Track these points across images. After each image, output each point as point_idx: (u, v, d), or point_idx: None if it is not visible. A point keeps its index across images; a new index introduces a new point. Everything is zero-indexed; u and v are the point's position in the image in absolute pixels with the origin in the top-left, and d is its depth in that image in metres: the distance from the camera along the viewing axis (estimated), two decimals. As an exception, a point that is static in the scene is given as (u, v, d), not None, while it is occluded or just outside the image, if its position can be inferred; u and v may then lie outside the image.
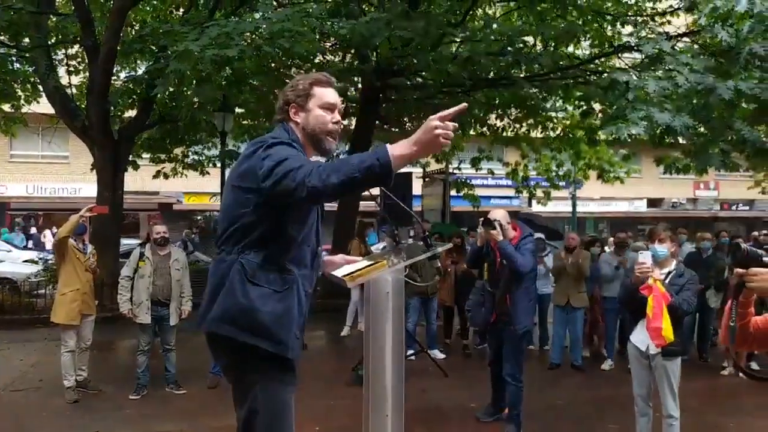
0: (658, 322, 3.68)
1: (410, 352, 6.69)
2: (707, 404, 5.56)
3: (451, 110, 1.71)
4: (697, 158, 5.88)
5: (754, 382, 6.51)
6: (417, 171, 13.49)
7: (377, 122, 11.26)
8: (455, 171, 13.24)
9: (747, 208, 26.87)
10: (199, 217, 23.75)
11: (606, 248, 8.55)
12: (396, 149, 1.70)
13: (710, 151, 5.68)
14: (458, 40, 8.75)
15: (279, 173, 1.79)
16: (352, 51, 9.73)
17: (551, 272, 7.10)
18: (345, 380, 5.83)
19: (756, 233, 11.27)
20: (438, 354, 7.10)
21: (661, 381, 3.93)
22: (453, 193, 12.95)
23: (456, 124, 1.71)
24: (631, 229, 17.01)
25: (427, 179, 13.29)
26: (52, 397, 5.41)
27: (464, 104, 1.79)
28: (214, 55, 5.96)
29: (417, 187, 14.26)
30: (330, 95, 2.08)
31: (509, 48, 7.33)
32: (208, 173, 13.47)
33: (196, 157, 13.44)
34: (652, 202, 26.20)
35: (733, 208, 26.98)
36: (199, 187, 18.57)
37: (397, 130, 12.24)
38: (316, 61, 9.16)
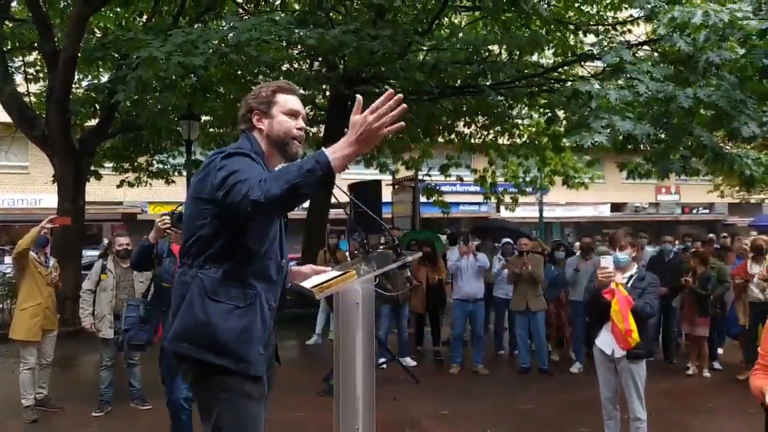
0: (625, 325, 3.77)
1: (382, 360, 6.67)
2: (673, 405, 5.67)
3: (381, 99, 1.70)
4: (658, 164, 6.06)
5: (717, 381, 6.71)
6: (387, 178, 13.52)
7: (345, 130, 11.22)
8: (425, 178, 13.32)
9: (707, 211, 27.75)
10: (164, 227, 23.17)
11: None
12: (335, 149, 1.70)
13: (671, 157, 5.85)
14: (425, 48, 8.82)
15: (228, 185, 1.76)
16: (320, 59, 9.70)
17: (507, 280, 7.17)
18: (316, 391, 5.77)
19: (712, 235, 11.60)
20: (409, 361, 7.10)
21: (627, 384, 4.00)
22: (423, 199, 13.02)
23: (399, 109, 1.69)
24: (596, 233, 17.41)
25: (396, 186, 13.33)
26: (9, 417, 5.18)
27: (391, 91, 1.76)
28: (179, 63, 5.86)
29: (387, 194, 14.32)
30: (293, 102, 2.07)
31: (475, 57, 7.42)
32: (173, 182, 13.23)
33: (160, 166, 13.19)
34: (616, 207, 26.83)
35: (694, 211, 27.84)
36: (165, 197, 18.21)
37: (365, 137, 12.25)
38: (284, 68, 9.11)
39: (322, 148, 1.72)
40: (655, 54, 7.51)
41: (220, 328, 1.84)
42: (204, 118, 10.91)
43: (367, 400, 1.95)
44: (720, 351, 7.71)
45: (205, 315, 1.85)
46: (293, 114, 2.05)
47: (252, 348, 1.89)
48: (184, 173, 11.43)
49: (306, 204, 11.39)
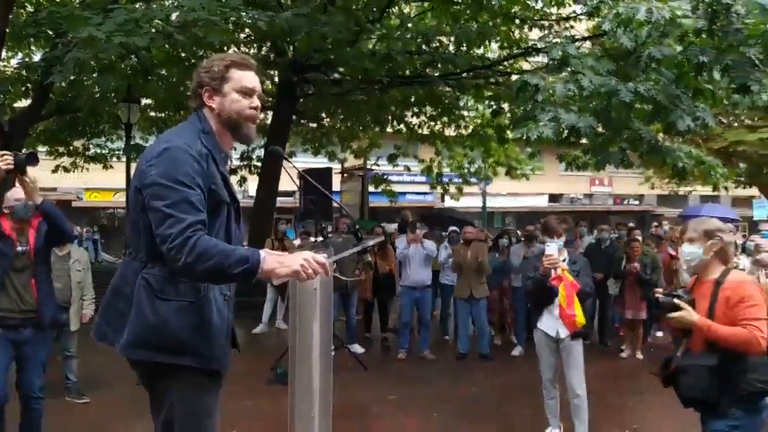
0: (571, 309, 3.93)
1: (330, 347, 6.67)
2: (608, 386, 5.96)
3: (322, 262, 1.80)
4: (598, 156, 6.31)
5: (651, 363, 7.10)
6: (335, 167, 13.45)
7: (294, 117, 11.08)
8: (373, 167, 13.33)
9: (637, 202, 29.14)
10: (101, 215, 22.27)
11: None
12: (268, 262, 1.74)
13: (610, 150, 6.11)
14: (376, 37, 8.80)
15: (158, 218, 1.73)
16: (269, 43, 9.49)
17: (452, 269, 7.32)
18: (264, 380, 5.70)
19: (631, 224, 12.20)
20: (358, 348, 7.13)
21: (569, 363, 4.20)
22: (371, 189, 13.05)
23: (326, 269, 1.81)
24: (535, 222, 17.95)
25: (345, 175, 13.29)
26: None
27: (326, 265, 1.85)
28: (121, 44, 5.58)
29: (336, 183, 14.25)
30: (248, 79, 1.94)
31: (425, 47, 7.47)
32: (111, 167, 12.66)
33: (98, 150, 12.60)
34: (553, 198, 27.79)
35: (625, 202, 29.16)
36: (102, 183, 17.42)
37: (315, 125, 12.13)
38: (230, 52, 8.85)
39: (261, 254, 1.75)
40: (597, 49, 7.77)
41: (176, 327, 1.77)
42: (145, 101, 10.47)
43: (324, 387, 1.95)
44: (659, 334, 8.21)
45: (158, 316, 1.77)
46: (247, 92, 1.92)
47: (214, 342, 1.84)
48: (123, 158, 10.97)
49: (252, 192, 11.20)
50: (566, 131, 5.31)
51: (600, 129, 6.35)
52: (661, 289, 3.07)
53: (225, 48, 8.03)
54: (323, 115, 11.78)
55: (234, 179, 11.99)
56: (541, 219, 11.89)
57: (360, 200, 12.10)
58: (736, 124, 14.34)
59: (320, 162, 13.03)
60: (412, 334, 7.42)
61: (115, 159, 12.61)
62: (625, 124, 5.97)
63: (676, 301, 2.62)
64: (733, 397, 2.51)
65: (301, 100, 10.61)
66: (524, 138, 5.04)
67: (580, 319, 3.97)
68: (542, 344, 4.32)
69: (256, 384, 5.62)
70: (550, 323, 4.21)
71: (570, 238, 7.61)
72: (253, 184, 11.54)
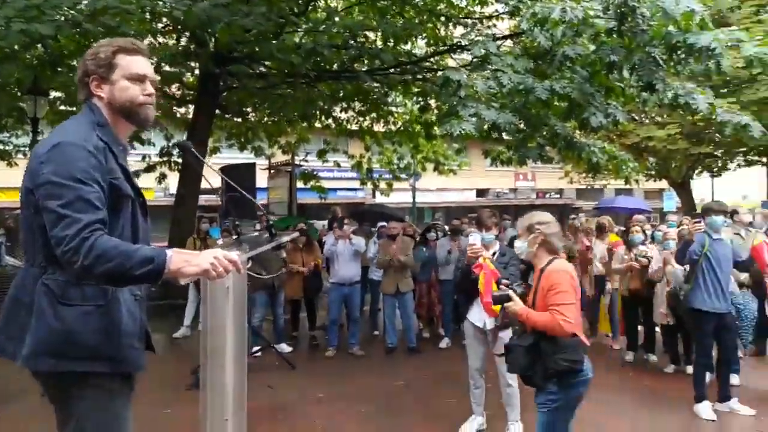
0: (488, 296, 4.04)
1: (256, 348, 6.53)
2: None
3: (234, 259, 1.74)
4: (518, 151, 6.52)
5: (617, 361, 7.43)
6: (262, 163, 13.15)
7: (218, 111, 10.72)
8: (302, 163, 13.15)
9: (558, 196, 30.53)
10: (6, 216, 20.66)
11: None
12: (175, 261, 1.67)
13: (529, 145, 6.32)
14: (301, 30, 8.65)
15: (53, 219, 1.62)
16: (188, 34, 9.11)
17: (377, 265, 7.36)
18: (185, 385, 5.49)
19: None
20: (285, 348, 7.02)
21: (498, 352, 4.27)
22: (300, 185, 12.86)
23: (237, 266, 1.76)
24: (463, 216, 18.39)
25: (272, 171, 13.02)
26: None
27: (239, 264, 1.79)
28: (22, 31, 5.16)
29: (262, 180, 13.92)
30: (138, 64, 1.83)
31: (352, 41, 7.42)
32: (16, 165, 11.78)
33: (1, 147, 11.69)
34: (480, 192, 28.61)
35: (547, 196, 30.47)
36: (5, 181, 16.16)
37: (239, 119, 11.78)
38: (146, 42, 8.43)
39: (168, 254, 1.67)
40: (517, 48, 8.01)
41: (83, 333, 1.66)
42: (53, 94, 9.79)
43: (238, 390, 1.87)
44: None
45: (62, 322, 1.65)
46: (138, 78, 1.81)
47: (123, 344, 1.74)
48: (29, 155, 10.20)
49: (173, 190, 10.74)
50: (487, 127, 5.43)
51: (520, 125, 6.55)
52: (507, 281, 3.36)
53: (139, 38, 7.64)
54: (248, 109, 11.47)
55: (153, 176, 11.47)
56: (469, 213, 12.13)
57: (288, 197, 11.89)
58: (647, 121, 15.23)
59: (246, 158, 12.70)
60: (341, 330, 7.38)
61: (21, 156, 11.75)
62: (543, 120, 6.19)
63: (508, 293, 2.99)
64: (545, 374, 2.83)
65: (225, 93, 10.27)
66: (448, 133, 5.10)
67: (497, 306, 4.07)
68: (470, 335, 4.42)
69: (176, 390, 5.40)
70: (477, 314, 4.31)
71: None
72: (174, 181, 11.07)
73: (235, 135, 12.41)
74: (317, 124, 12.14)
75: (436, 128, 9.35)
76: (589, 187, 23.46)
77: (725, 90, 14.16)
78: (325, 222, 11.64)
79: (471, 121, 4.99)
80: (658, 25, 4.60)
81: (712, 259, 4.80)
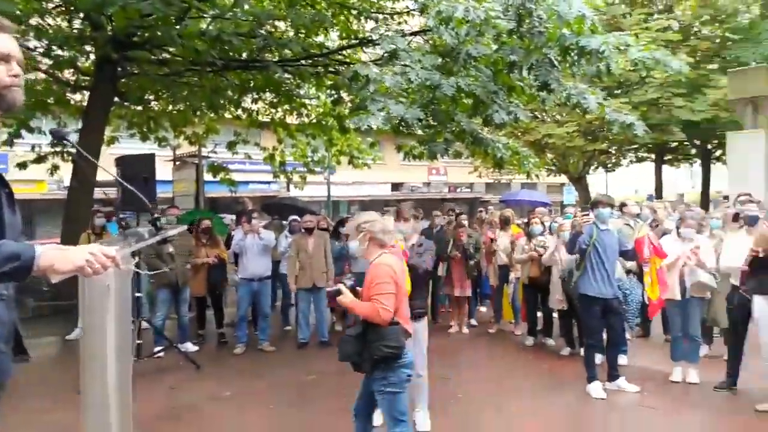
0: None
1: (158, 348, 6.25)
2: (436, 359, 6.36)
3: (111, 255, 1.65)
4: (427, 146, 6.66)
5: (473, 335, 7.72)
6: (166, 154, 12.54)
7: (116, 99, 10.07)
8: (210, 154, 12.66)
9: (468, 190, 31.57)
10: None
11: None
12: (46, 257, 1.57)
13: (437, 140, 6.48)
14: (207, 16, 8.30)
15: None
16: (82, 16, 8.48)
17: (288, 264, 7.28)
18: (75, 389, 5.14)
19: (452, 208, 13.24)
20: (190, 347, 6.76)
21: (416, 343, 4.30)
22: (209, 177, 12.39)
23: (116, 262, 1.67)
24: (378, 209, 18.59)
25: (178, 162, 12.44)
26: None
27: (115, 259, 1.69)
28: None
29: (167, 172, 13.27)
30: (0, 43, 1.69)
31: (260, 30, 7.22)
32: None
33: None
34: (395, 186, 29.01)
35: (458, 190, 31.43)
36: None
37: (140, 108, 11.14)
38: (32, 22, 7.75)
39: (37, 249, 1.56)
40: (427, 45, 8.16)
41: None
42: None
43: (121, 395, 1.77)
44: (483, 309, 8.97)
45: None
46: (1, 58, 1.68)
47: None
48: None
49: (66, 182, 9.99)
50: (395, 122, 5.50)
51: (429, 121, 6.68)
52: (339, 277, 3.55)
53: (25, 19, 7.03)
54: (151, 97, 10.87)
55: (45, 167, 10.62)
56: (384, 207, 12.11)
57: (195, 190, 11.42)
58: (548, 120, 16.07)
59: (149, 148, 12.05)
60: (250, 327, 7.22)
61: None
62: (450, 116, 6.36)
63: (338, 287, 3.22)
64: (371, 360, 3.10)
65: (123, 80, 9.67)
66: (357, 127, 5.11)
67: (407, 288, 4.14)
68: None
69: (66, 394, 5.04)
70: None
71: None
72: (68, 172, 10.30)
73: (136, 124, 11.71)
74: (227, 115, 11.73)
75: (346, 122, 9.34)
76: (496, 182, 24.47)
77: (619, 91, 15.27)
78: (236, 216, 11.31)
79: (379, 116, 5.02)
80: (554, 28, 4.87)
81: (600, 248, 5.16)
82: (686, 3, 15.26)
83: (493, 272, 7.97)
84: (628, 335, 6.71)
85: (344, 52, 10.07)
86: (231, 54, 8.45)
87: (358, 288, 3.29)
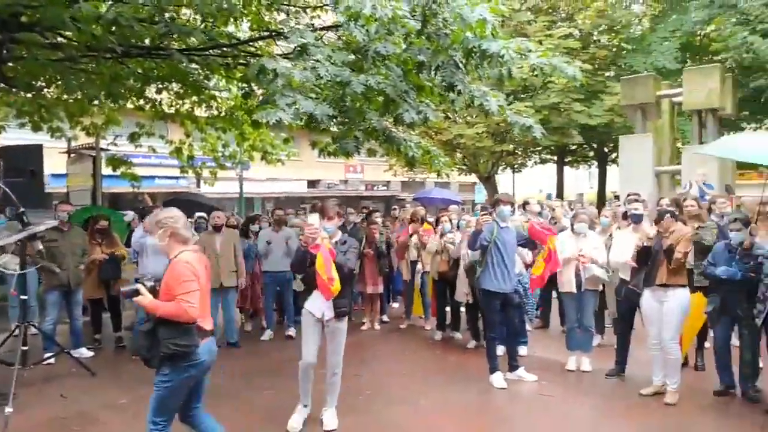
0: (328, 274, 4.03)
1: (48, 355, 5.81)
2: (347, 357, 6.36)
3: None
4: (338, 144, 6.62)
5: (384, 331, 7.81)
6: (59, 145, 11.67)
7: (2, 84, 9.20)
8: (109, 147, 11.90)
9: (385, 188, 31.92)
10: None
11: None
12: None
13: (347, 138, 6.46)
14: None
15: None
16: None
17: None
18: None
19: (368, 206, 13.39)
20: (85, 352, 6.33)
21: (333, 341, 4.37)
22: (110, 171, 11.64)
23: None
24: (294, 207, 18.32)
25: (72, 155, 11.60)
26: None
27: None
28: None
29: (61, 164, 12.36)
30: None
31: (161, 16, 6.85)
32: None
33: None
34: (312, 183, 28.78)
35: (375, 188, 31.70)
36: None
37: (30, 95, 10.26)
38: None
39: None
40: (340, 41, 8.12)
41: None
42: None
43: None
44: (395, 305, 9.09)
45: None
46: None
47: None
48: None
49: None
50: (305, 118, 5.42)
51: (340, 118, 6.65)
52: (145, 277, 3.46)
53: None
54: (42, 83, 10.04)
55: None
56: (300, 204, 11.92)
57: (92, 184, 10.69)
58: (460, 120, 16.55)
59: (42, 139, 11.15)
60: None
61: None
62: (361, 114, 6.36)
63: (137, 287, 3.17)
64: (158, 356, 3.11)
65: (10, 64, 8.85)
66: (265, 121, 4.98)
67: (336, 287, 4.07)
68: (308, 324, 4.36)
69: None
70: (317, 304, 4.27)
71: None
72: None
73: (26, 113, 10.78)
74: (129, 105, 11.06)
75: (253, 116, 9.09)
76: (411, 180, 24.89)
77: (524, 95, 16.01)
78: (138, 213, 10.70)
79: (288, 111, 4.92)
80: (458, 31, 5.00)
81: (500, 245, 5.38)
82: (585, 13, 16.25)
83: (405, 267, 8.09)
84: (528, 327, 7.07)
85: (257, 45, 9.81)
86: (131, 40, 7.98)
87: (158, 288, 3.20)
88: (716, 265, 4.86)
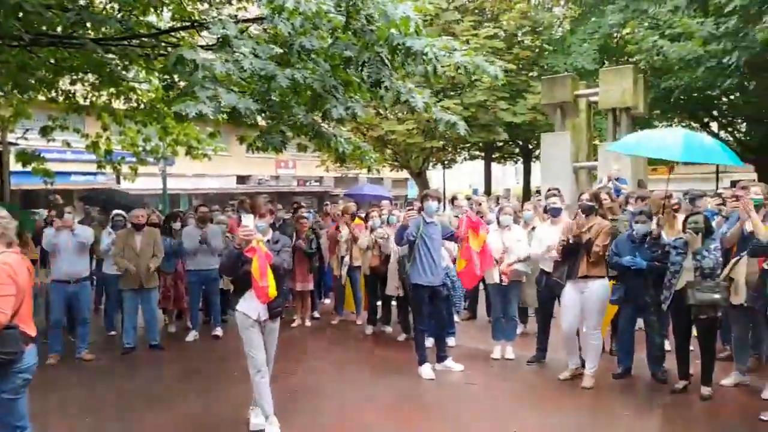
0: (264, 281, 3.90)
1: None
2: (279, 355, 6.29)
3: None
4: (263, 139, 6.49)
5: (315, 328, 7.77)
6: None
7: None
8: (18, 141, 11.13)
9: (318, 184, 31.67)
10: None
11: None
12: None
13: (273, 132, 6.36)
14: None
15: None
16: None
17: (114, 259, 6.74)
18: None
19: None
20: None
21: (272, 342, 4.27)
22: (18, 167, 10.88)
23: None
24: (223, 203, 17.85)
25: (-25, 150, 10.76)
26: None
27: None
28: None
29: (-37, 160, 11.45)
30: None
31: (73, 3, 6.46)
32: None
33: None
34: (242, 179, 28.13)
35: (308, 184, 31.40)
36: None
37: None
38: None
39: None
40: (267, 34, 7.97)
41: None
42: None
43: None
44: (327, 301, 9.07)
45: None
46: None
47: None
48: None
49: None
50: (227, 112, 5.29)
51: (267, 113, 6.53)
52: None
53: None
54: (-63, 72, 9.22)
55: None
56: (230, 200, 11.58)
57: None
58: (391, 117, 16.67)
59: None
60: (66, 334, 6.51)
61: None
62: (287, 109, 6.28)
63: None
64: None
65: None
66: (184, 114, 4.79)
67: (272, 291, 3.94)
68: (247, 327, 4.15)
69: None
70: (252, 304, 4.08)
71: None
72: None
73: None
74: (40, 97, 10.37)
75: (172, 109, 8.79)
76: (344, 176, 24.87)
77: (453, 93, 16.35)
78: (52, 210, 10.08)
79: (209, 104, 4.77)
80: (382, 27, 5.03)
81: (426, 239, 5.48)
82: (509, 14, 16.78)
83: (336, 263, 8.07)
84: (456, 318, 7.25)
85: (179, 35, 9.45)
86: (41, 28, 7.48)
87: None
88: (620, 255, 5.13)
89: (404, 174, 24.38)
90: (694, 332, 4.97)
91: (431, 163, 20.60)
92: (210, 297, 7.41)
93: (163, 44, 8.82)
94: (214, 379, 5.58)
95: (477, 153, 23.28)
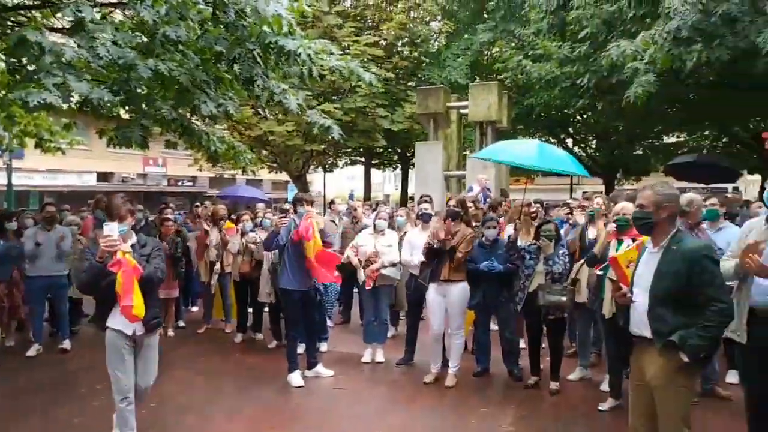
0: (128, 299, 3.45)
1: None
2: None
3: None
4: (120, 132, 6.00)
5: (183, 340, 7.33)
6: None
7: None
8: None
9: (191, 184, 30.14)
10: None
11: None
12: None
13: (131, 126, 5.90)
14: None
15: None
16: None
17: None
18: None
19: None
20: None
21: (152, 358, 3.91)
22: None
23: None
24: (82, 202, 16.29)
25: None
26: None
27: None
28: None
29: None
30: None
31: None
32: None
33: None
34: (103, 176, 26.01)
35: (179, 183, 29.76)
36: None
37: None
38: None
39: None
40: (131, 21, 7.42)
41: None
42: None
43: None
44: (194, 309, 8.59)
45: None
46: None
47: None
48: None
49: None
50: (78, 102, 4.82)
51: (126, 105, 6.06)
52: None
53: None
54: None
55: None
56: (88, 199, 10.58)
57: None
58: (271, 116, 16.27)
59: None
60: None
61: None
62: (148, 102, 5.88)
63: None
64: None
65: None
66: (24, 102, 4.28)
67: (138, 311, 3.49)
68: (119, 347, 3.70)
69: None
70: (124, 319, 3.60)
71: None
72: None
73: None
74: None
75: (9, 96, 7.91)
76: (220, 176, 23.87)
77: (334, 97, 16.35)
78: None
79: (55, 92, 4.31)
80: (254, 24, 4.87)
81: (297, 244, 5.38)
82: (389, 24, 17.17)
83: (204, 268, 7.66)
84: (329, 323, 7.21)
85: (30, 14, 8.47)
86: None
87: None
88: (475, 262, 5.39)
89: (284, 176, 23.96)
90: (545, 331, 5.38)
91: (312, 167, 20.44)
92: (58, 306, 6.69)
93: (9, 23, 7.88)
94: (58, 398, 5.04)
95: (357, 158, 23.52)
